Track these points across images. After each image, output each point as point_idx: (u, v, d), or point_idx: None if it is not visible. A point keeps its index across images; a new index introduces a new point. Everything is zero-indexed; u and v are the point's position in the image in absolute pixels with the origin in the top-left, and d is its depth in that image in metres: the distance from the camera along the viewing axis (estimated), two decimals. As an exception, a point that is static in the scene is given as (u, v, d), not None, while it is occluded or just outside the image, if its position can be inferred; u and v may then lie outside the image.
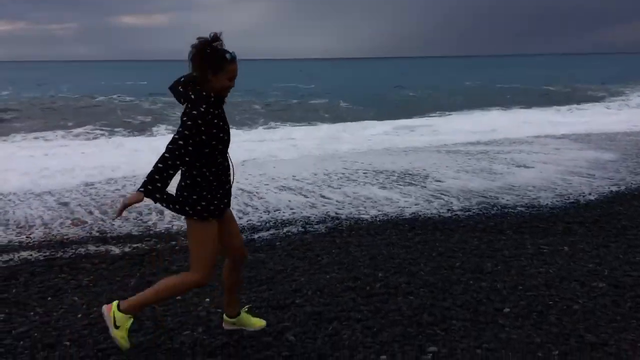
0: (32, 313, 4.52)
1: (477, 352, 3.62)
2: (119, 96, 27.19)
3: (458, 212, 7.74)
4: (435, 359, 3.56)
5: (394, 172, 10.89)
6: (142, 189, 3.14)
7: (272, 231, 6.98)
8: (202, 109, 3.21)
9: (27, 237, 7.01)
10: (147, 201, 3.30)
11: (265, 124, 20.95)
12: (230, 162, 3.53)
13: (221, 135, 3.32)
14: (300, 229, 7.02)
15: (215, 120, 3.28)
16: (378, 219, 7.47)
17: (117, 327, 3.59)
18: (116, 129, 18.94)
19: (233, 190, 3.68)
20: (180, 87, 3.34)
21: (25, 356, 3.74)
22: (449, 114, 23.61)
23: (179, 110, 3.41)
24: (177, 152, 3.16)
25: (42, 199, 8.91)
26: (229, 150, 3.52)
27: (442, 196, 8.80)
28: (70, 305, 4.68)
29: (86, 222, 7.58)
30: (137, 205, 3.19)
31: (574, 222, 7.09)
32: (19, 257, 6.13)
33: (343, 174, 10.73)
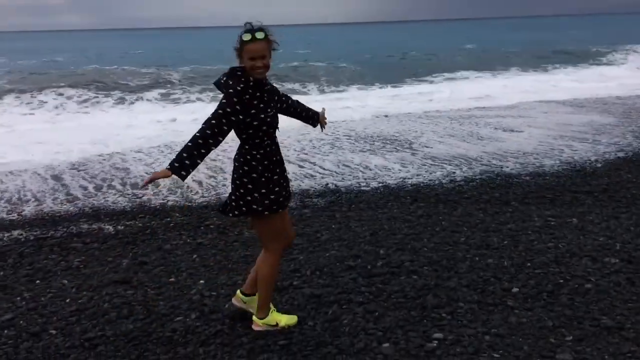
0: (19, 298, 4.33)
1: (486, 339, 3.42)
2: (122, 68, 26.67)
3: (461, 183, 7.50)
4: (441, 346, 3.36)
5: (390, 139, 10.62)
6: (169, 167, 3.07)
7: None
8: (239, 88, 3.18)
9: (18, 214, 6.80)
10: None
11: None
12: (279, 151, 3.42)
13: (262, 116, 3.23)
14: (298, 203, 6.79)
15: (255, 102, 3.22)
16: (379, 191, 7.24)
17: (276, 324, 3.63)
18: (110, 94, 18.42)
19: None
20: (223, 79, 3.27)
21: (8, 347, 3.56)
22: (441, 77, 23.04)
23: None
24: (208, 131, 3.10)
25: (36, 173, 8.69)
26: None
27: (445, 165, 8.55)
28: (59, 289, 4.49)
29: (79, 199, 7.36)
30: (164, 180, 3.03)
31: (581, 191, 6.85)
32: (8, 236, 5.92)
33: (336, 141, 10.45)
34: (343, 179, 7.97)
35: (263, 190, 3.31)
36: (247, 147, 3.28)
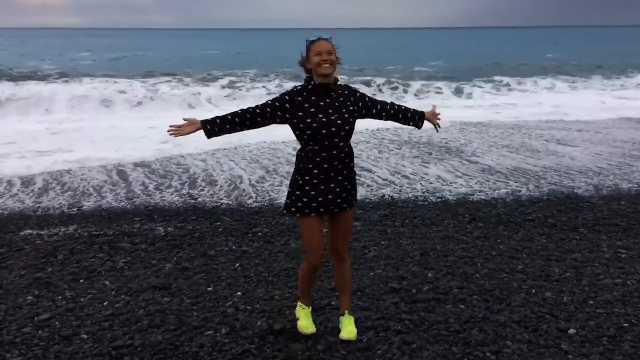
0: (60, 297, 4.37)
1: (531, 387, 3.09)
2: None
3: (526, 203, 7.04)
4: (480, 390, 3.06)
5: (442, 146, 10.20)
6: (202, 120, 3.33)
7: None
8: (295, 89, 3.34)
9: (78, 209, 6.98)
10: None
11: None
12: (339, 158, 3.33)
13: (309, 120, 3.25)
14: (351, 214, 6.56)
15: (306, 105, 3.27)
16: (437, 206, 6.90)
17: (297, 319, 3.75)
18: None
19: None
20: None
21: (39, 349, 3.56)
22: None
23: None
24: (251, 110, 3.34)
25: (105, 169, 8.95)
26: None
27: (510, 182, 8.08)
28: (99, 290, 4.49)
29: (137, 197, 7.48)
30: (189, 133, 3.33)
31: (662, 221, 6.25)
32: (64, 231, 6.06)
33: (391, 147, 10.15)
34: (400, 190, 7.70)
35: (297, 192, 3.36)
36: (299, 146, 3.40)
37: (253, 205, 7.05)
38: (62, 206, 7.10)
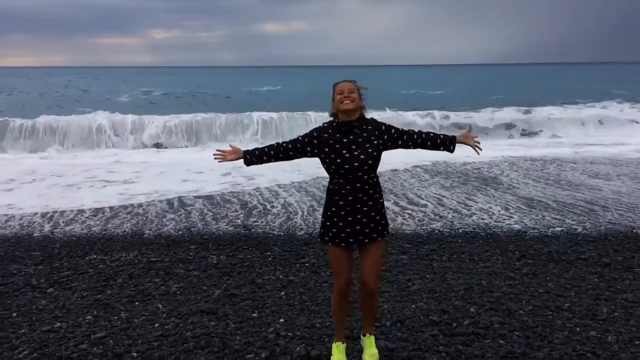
0: (116, 317, 4.66)
1: None
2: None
3: (581, 241, 6.87)
4: None
5: (512, 188, 10.06)
6: (245, 150, 3.73)
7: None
8: (322, 126, 3.61)
9: (139, 237, 7.37)
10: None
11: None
12: (363, 190, 3.49)
13: (333, 156, 3.47)
14: (398, 248, 6.63)
15: (331, 141, 3.50)
16: (488, 242, 6.85)
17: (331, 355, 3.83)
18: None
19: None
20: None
21: (92, 364, 3.82)
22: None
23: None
24: (283, 143, 3.69)
25: (170, 201, 9.42)
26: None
27: (565, 219, 7.91)
28: (152, 312, 4.76)
29: (195, 227, 7.83)
30: (234, 161, 3.77)
31: None
32: (125, 257, 6.42)
33: (438, 178, 10.12)
34: (451, 225, 7.68)
35: (327, 223, 3.57)
36: (329, 179, 3.60)
37: (303, 236, 7.23)
38: (126, 234, 7.52)
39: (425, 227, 7.65)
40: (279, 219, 8.17)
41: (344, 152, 3.46)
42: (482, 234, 7.30)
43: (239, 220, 8.12)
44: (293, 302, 4.97)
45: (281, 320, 4.56)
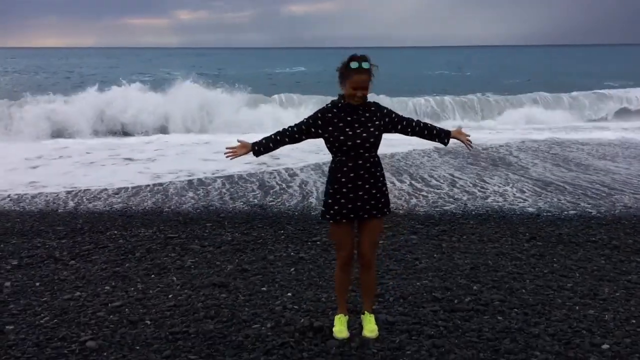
0: (132, 288, 4.89)
1: (549, 394, 3.17)
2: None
3: (593, 224, 6.90)
4: (498, 393, 3.19)
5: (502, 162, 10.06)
6: (253, 142, 3.78)
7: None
8: (326, 106, 3.69)
9: (159, 214, 7.61)
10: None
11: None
12: (364, 168, 3.62)
13: (336, 134, 3.58)
14: (409, 228, 6.75)
15: (336, 120, 3.61)
16: (499, 224, 6.92)
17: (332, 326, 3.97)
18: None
19: None
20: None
21: (108, 330, 4.05)
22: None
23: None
24: (288, 127, 3.76)
25: (192, 180, 9.68)
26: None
27: (580, 202, 7.92)
28: (166, 284, 4.98)
29: (213, 205, 8.05)
30: (243, 155, 3.82)
31: None
32: (144, 233, 6.66)
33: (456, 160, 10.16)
34: (465, 206, 7.76)
35: (329, 200, 3.69)
36: (331, 158, 3.71)
37: (316, 216, 7.38)
38: (146, 211, 7.77)
39: (438, 209, 7.74)
40: (294, 199, 8.34)
41: (347, 130, 3.59)
42: (494, 216, 7.36)
43: (255, 200, 8.31)
44: (302, 277, 5.14)
45: (289, 294, 4.74)
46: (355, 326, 4.04)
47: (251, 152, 3.76)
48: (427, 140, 3.96)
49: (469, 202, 8.06)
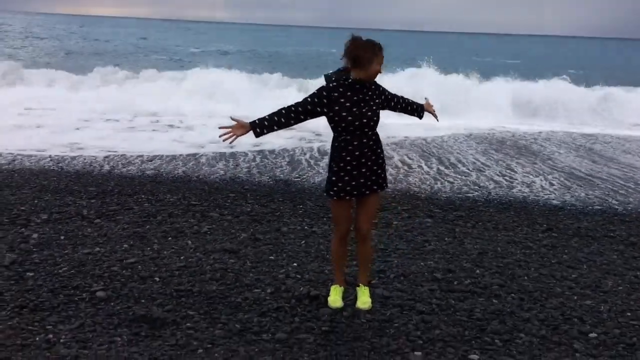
0: (148, 248, 5.16)
1: (523, 373, 3.26)
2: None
3: (615, 220, 6.80)
4: (473, 368, 3.29)
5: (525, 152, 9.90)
6: (251, 122, 3.68)
7: (395, 211, 6.84)
8: (330, 85, 3.72)
9: (187, 182, 7.90)
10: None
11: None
12: (368, 145, 3.74)
13: (344, 114, 3.66)
14: (427, 211, 6.81)
15: (342, 99, 3.67)
16: (519, 214, 6.90)
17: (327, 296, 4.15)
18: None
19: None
20: (330, 74, 3.84)
21: (119, 283, 4.33)
22: None
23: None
24: (293, 107, 3.71)
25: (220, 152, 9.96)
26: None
27: (605, 197, 7.80)
28: (180, 247, 5.23)
29: (239, 177, 8.29)
30: (241, 135, 3.69)
31: None
32: (169, 198, 6.94)
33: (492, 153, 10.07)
34: (488, 194, 7.76)
35: (333, 178, 3.80)
36: (334, 136, 3.80)
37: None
38: (176, 178, 8.07)
39: (460, 195, 7.75)
40: (319, 177, 8.49)
41: (354, 109, 3.69)
42: (516, 205, 7.34)
43: (282, 175, 8.50)
44: (310, 250, 5.31)
45: (294, 264, 4.92)
46: (351, 298, 4.19)
47: (251, 132, 3.67)
48: (407, 115, 4.18)
49: (492, 190, 8.03)
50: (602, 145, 12.46)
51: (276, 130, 3.72)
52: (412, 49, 56.09)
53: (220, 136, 3.68)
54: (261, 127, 3.68)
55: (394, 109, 3.99)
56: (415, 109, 4.17)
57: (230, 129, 3.66)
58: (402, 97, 4.06)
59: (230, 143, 3.74)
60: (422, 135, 12.16)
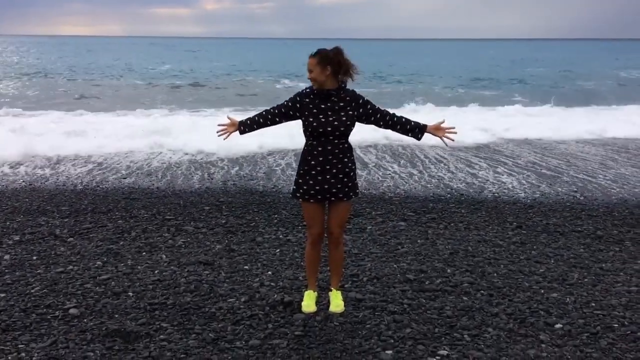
0: (122, 264, 5.17)
1: (491, 365, 3.35)
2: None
3: (583, 215, 6.98)
4: (442, 363, 3.37)
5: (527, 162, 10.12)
6: (240, 120, 4.05)
7: (369, 216, 6.94)
8: (304, 91, 3.90)
9: (161, 198, 7.90)
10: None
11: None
12: (333, 153, 3.80)
13: (310, 120, 3.78)
14: (400, 215, 6.92)
15: (311, 106, 3.81)
16: (490, 213, 7.04)
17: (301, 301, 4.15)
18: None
19: None
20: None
21: (92, 300, 4.34)
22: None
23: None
24: (271, 109, 3.98)
25: (195, 162, 9.96)
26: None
27: (575, 192, 7.99)
28: (155, 261, 5.25)
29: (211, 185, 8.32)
30: (233, 132, 4.09)
31: None
32: (144, 214, 6.94)
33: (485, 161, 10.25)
34: (461, 196, 7.90)
35: (299, 180, 3.91)
36: (305, 141, 3.90)
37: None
38: (152, 191, 8.05)
39: (433, 197, 7.88)
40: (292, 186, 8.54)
41: (321, 116, 3.77)
42: (487, 205, 7.48)
43: (258, 186, 8.54)
44: (285, 258, 5.37)
45: (269, 272, 4.97)
46: (325, 302, 4.25)
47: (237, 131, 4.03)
48: (399, 134, 4.01)
49: (464, 192, 8.18)
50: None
51: (256, 129, 4.02)
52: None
53: (217, 132, 4.07)
54: (244, 125, 4.03)
55: (378, 125, 3.93)
56: (410, 129, 3.93)
57: (225, 127, 4.06)
58: (392, 114, 3.93)
59: (225, 139, 4.14)
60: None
